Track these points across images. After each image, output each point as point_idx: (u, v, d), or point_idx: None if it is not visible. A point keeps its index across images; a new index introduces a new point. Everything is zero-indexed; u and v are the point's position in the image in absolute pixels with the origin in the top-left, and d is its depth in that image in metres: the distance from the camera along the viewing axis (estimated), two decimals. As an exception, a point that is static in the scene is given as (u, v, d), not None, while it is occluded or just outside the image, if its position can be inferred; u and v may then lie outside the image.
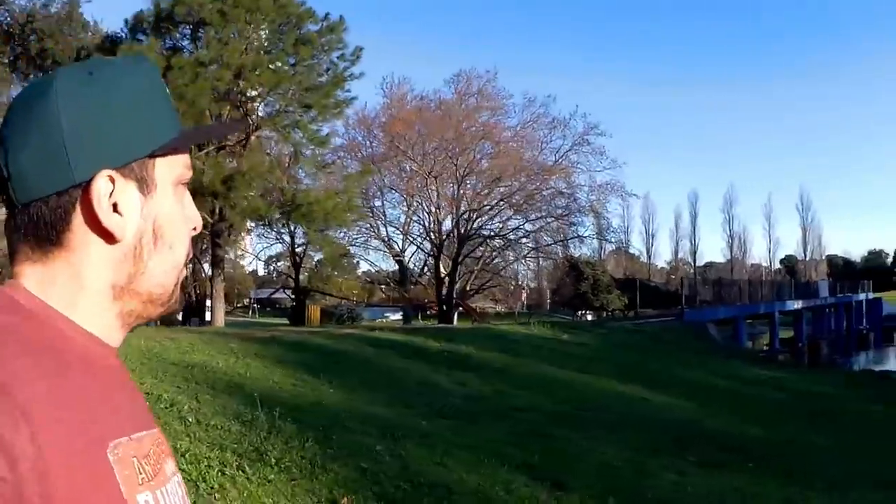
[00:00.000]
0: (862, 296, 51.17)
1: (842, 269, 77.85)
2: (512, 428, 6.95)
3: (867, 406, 11.84)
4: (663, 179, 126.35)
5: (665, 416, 8.88)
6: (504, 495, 4.70)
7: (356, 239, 31.99)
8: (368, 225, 30.95)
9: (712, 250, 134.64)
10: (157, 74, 0.74)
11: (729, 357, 19.02)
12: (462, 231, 29.32)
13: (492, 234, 30.85)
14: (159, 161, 0.71)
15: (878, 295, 55.44)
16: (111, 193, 0.67)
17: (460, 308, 30.89)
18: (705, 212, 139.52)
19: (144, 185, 0.70)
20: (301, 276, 45.66)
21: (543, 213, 31.20)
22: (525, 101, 31.26)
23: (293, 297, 31.74)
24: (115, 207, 0.68)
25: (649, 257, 68.85)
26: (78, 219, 0.67)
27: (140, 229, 0.70)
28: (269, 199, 17.38)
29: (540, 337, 15.72)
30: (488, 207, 30.02)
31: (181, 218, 0.74)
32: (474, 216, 29.82)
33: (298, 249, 29.41)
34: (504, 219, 31.35)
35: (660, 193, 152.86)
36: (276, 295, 42.97)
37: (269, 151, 19.12)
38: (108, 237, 0.68)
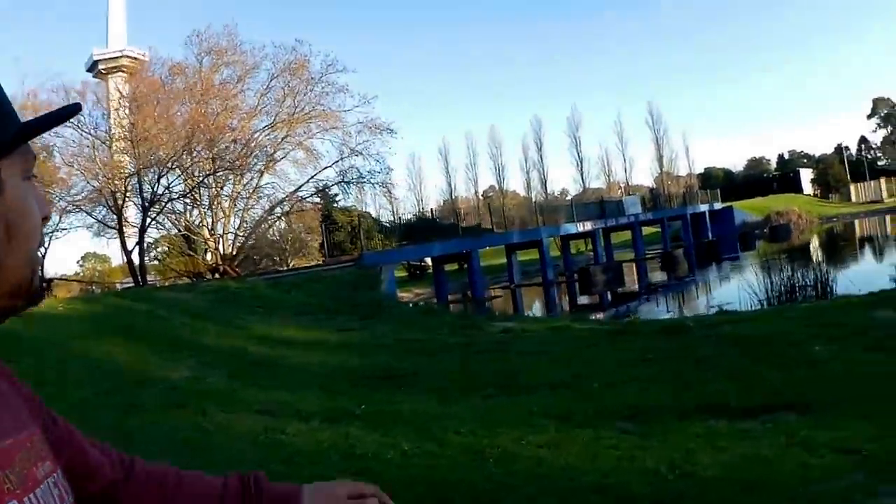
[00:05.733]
0: (703, 207, 45.70)
1: (722, 181, 73.74)
2: None
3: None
4: (512, 113, 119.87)
5: None
6: None
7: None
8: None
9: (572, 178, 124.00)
10: None
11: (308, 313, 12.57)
12: (145, 195, 25.19)
13: (183, 193, 27.11)
14: (4, 160, 0.70)
15: (729, 204, 50.15)
16: None
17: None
18: (557, 142, 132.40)
19: None
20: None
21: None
22: (277, 51, 28.23)
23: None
24: None
25: (502, 192, 63.26)
26: None
27: None
28: None
29: None
30: (167, 169, 25.51)
31: (33, 210, 0.73)
32: (156, 178, 25.49)
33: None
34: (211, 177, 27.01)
35: (509, 128, 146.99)
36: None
37: None
38: None
